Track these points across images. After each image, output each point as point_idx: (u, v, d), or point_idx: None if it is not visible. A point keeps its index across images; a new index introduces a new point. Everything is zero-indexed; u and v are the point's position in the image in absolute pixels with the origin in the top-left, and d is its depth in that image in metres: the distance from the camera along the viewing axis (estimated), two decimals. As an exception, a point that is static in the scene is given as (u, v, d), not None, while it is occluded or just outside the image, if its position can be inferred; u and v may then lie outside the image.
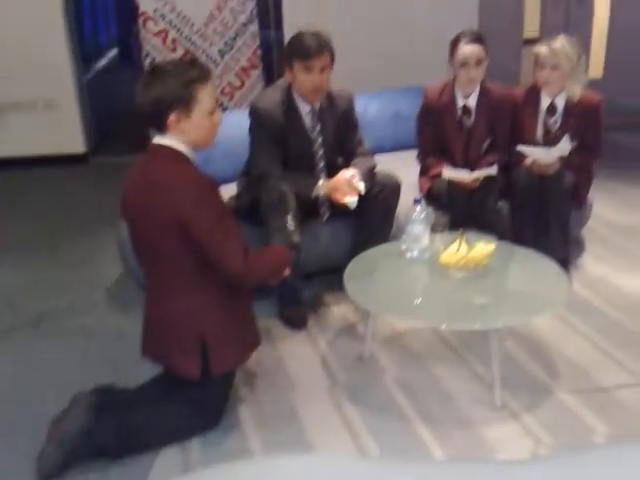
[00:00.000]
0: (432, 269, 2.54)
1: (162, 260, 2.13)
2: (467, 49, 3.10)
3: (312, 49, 2.79)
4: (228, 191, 3.14)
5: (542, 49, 3.14)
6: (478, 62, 3.11)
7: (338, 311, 3.00)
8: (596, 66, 5.80)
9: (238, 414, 2.36)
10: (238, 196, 3.13)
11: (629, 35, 5.56)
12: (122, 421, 2.15)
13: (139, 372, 2.39)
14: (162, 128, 2.07)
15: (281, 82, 2.99)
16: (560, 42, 3.14)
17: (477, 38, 3.13)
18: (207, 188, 2.07)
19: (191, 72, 2.05)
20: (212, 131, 2.15)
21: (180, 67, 2.07)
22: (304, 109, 2.95)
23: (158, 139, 2.10)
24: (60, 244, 3.84)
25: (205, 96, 2.06)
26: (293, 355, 2.70)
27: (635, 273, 3.24)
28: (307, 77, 2.82)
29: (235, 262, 2.08)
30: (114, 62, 8.07)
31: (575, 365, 2.56)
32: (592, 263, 3.35)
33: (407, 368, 2.57)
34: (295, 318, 2.90)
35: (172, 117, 2.03)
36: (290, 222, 2.69)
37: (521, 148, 3.13)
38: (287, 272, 2.35)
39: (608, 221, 3.80)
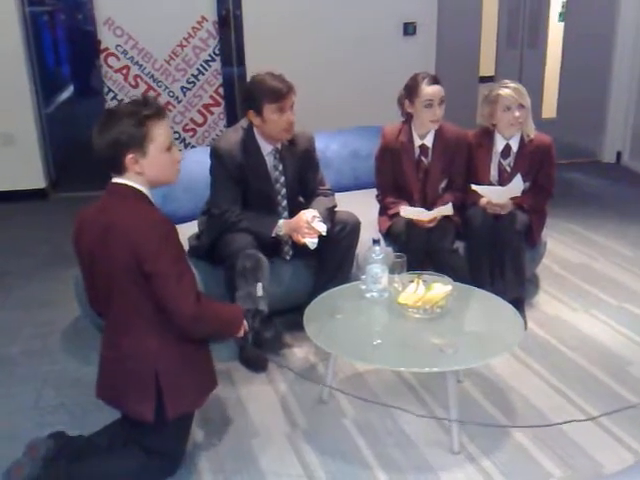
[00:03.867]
0: (391, 310, 2.57)
1: (119, 301, 2.10)
2: (431, 89, 3.17)
3: (283, 90, 2.84)
4: (189, 230, 3.15)
5: (504, 91, 3.21)
6: (441, 102, 3.19)
7: (299, 352, 3.00)
8: (550, 106, 5.99)
9: (195, 460, 2.33)
10: (198, 235, 3.13)
11: (580, 76, 5.76)
12: (74, 470, 2.10)
13: (97, 418, 2.35)
14: (120, 170, 2.07)
15: (242, 123, 3.02)
16: (514, 82, 3.25)
17: (436, 79, 3.23)
18: (166, 230, 2.06)
19: (144, 110, 2.04)
20: (172, 168, 2.15)
21: (132, 106, 2.06)
22: (266, 149, 2.99)
23: (117, 179, 2.09)
24: (15, 284, 3.77)
25: (160, 133, 2.06)
26: (252, 398, 2.69)
27: (589, 312, 3.32)
28: (281, 117, 2.86)
29: (185, 307, 2.05)
30: (74, 96, 8.03)
31: (531, 405, 2.60)
32: (547, 302, 3.42)
33: (367, 410, 2.58)
34: (255, 360, 2.89)
35: (129, 157, 2.03)
36: (260, 290, 2.70)
37: (474, 187, 3.20)
38: (241, 334, 2.32)
39: (562, 260, 3.90)
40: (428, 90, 3.17)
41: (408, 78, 3.28)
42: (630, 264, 3.83)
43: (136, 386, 2.13)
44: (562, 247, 4.05)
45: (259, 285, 2.73)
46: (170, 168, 2.14)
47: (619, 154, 5.78)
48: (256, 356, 2.89)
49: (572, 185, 5.14)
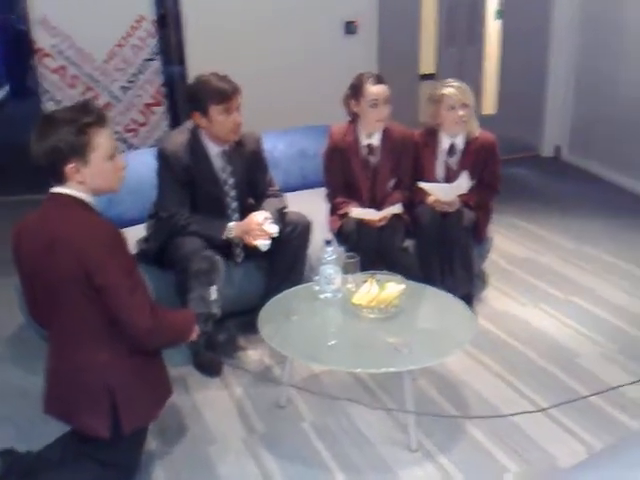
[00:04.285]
0: (345, 310, 2.57)
1: (66, 313, 2.03)
2: (376, 89, 3.18)
3: (229, 91, 2.81)
4: (137, 233, 3.08)
5: (448, 90, 3.25)
6: (386, 101, 3.20)
7: (254, 355, 2.97)
8: (490, 103, 6.10)
9: (150, 470, 2.28)
10: (146, 239, 3.06)
11: (519, 72, 5.89)
12: (25, 489, 2.02)
13: (44, 432, 2.27)
14: (61, 178, 1.98)
15: (187, 124, 2.97)
16: (457, 82, 3.29)
17: (381, 78, 3.24)
18: (114, 240, 2.00)
19: (84, 117, 1.96)
20: (115, 176, 2.08)
21: (73, 113, 1.98)
22: (213, 151, 2.94)
23: (58, 188, 2.01)
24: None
25: (102, 141, 1.99)
26: (208, 404, 2.65)
27: (535, 305, 3.40)
28: (227, 118, 2.83)
29: (140, 320, 2.00)
30: (10, 96, 7.77)
31: (484, 399, 2.65)
32: (495, 297, 3.49)
33: (325, 412, 2.57)
34: (209, 364, 2.85)
35: (69, 167, 1.95)
36: (214, 293, 2.66)
37: (422, 185, 3.23)
38: (194, 338, 2.28)
39: (508, 255, 3.98)
40: (373, 90, 3.18)
41: (352, 77, 3.29)
42: (574, 257, 3.93)
43: (88, 401, 2.06)
44: (508, 242, 4.13)
45: (213, 288, 2.69)
46: (113, 176, 2.07)
47: (558, 148, 5.93)
48: (210, 360, 2.85)
49: (514, 180, 5.25)
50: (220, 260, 2.79)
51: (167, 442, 2.42)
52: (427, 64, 6.43)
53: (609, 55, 5.22)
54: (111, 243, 1.98)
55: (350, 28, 5.18)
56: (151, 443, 2.37)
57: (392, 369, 2.30)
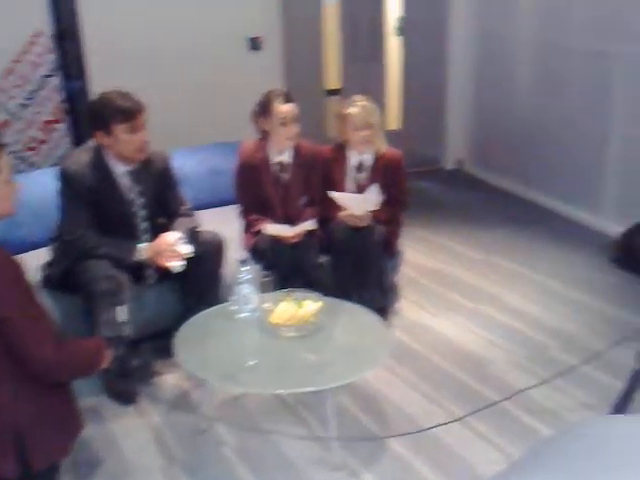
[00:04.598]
0: (263, 330, 2.54)
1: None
2: (285, 108, 3.18)
3: (134, 109, 2.74)
4: (39, 257, 2.94)
5: (353, 110, 3.29)
6: (295, 119, 3.21)
7: (170, 379, 2.88)
8: (395, 118, 6.25)
9: (65, 510, 2.16)
10: (50, 264, 2.92)
11: (421, 88, 6.07)
12: None
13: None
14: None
15: (91, 143, 2.87)
16: (363, 101, 3.34)
17: (289, 97, 3.24)
18: (12, 271, 1.89)
19: None
20: (12, 200, 2.02)
21: None
22: (119, 170, 2.85)
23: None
24: None
25: (2, 165, 1.94)
26: (124, 434, 2.54)
27: (447, 315, 3.49)
28: (133, 137, 2.75)
29: (43, 353, 1.90)
30: None
31: (403, 412, 2.68)
32: (408, 309, 3.56)
33: (247, 435, 2.53)
34: (123, 392, 2.74)
35: None
36: (122, 314, 2.56)
37: (332, 194, 3.25)
38: (105, 365, 2.19)
39: (419, 267, 4.07)
40: (281, 109, 3.19)
41: (260, 93, 3.28)
42: (481, 266, 4.07)
43: (-7, 444, 1.93)
44: (418, 254, 4.22)
45: (121, 309, 2.60)
46: (10, 201, 2.01)
47: (460, 161, 6.15)
48: (124, 388, 2.75)
49: (421, 193, 5.39)
50: (126, 279, 2.70)
51: (81, 477, 2.31)
52: (333, 80, 6.52)
53: (504, 72, 5.48)
54: (10, 275, 1.87)
55: (255, 44, 5.18)
56: (64, 479, 2.25)
57: (313, 388, 2.29)
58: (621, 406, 2.29)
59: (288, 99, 3.22)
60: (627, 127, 4.32)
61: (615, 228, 4.18)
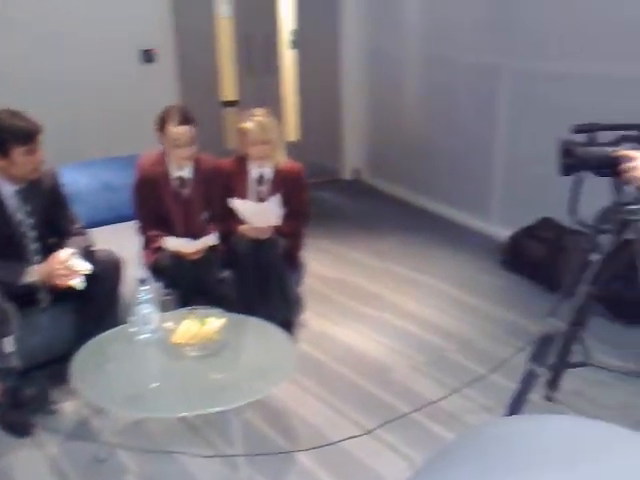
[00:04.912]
0: (165, 351, 2.48)
1: None
2: (178, 131, 3.13)
3: (32, 131, 2.66)
4: None
5: (249, 125, 3.28)
6: (190, 142, 3.16)
7: (69, 407, 2.76)
8: (293, 130, 6.30)
9: None
10: None
11: (317, 100, 6.15)
12: None
13: None
14: None
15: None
16: (263, 116, 3.33)
17: (186, 118, 3.17)
18: None
19: None
20: None
21: None
22: (7, 191, 2.73)
23: None
24: None
25: None
26: (20, 467, 2.41)
27: (350, 324, 3.54)
28: (30, 158, 2.67)
29: None
30: None
31: (310, 425, 2.69)
32: (313, 320, 3.58)
33: (151, 459, 2.46)
34: (18, 424, 2.60)
35: None
36: (9, 345, 2.43)
37: (232, 203, 3.22)
38: None
39: (322, 277, 4.11)
40: (175, 130, 3.13)
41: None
42: (381, 274, 4.16)
43: None
44: (320, 265, 4.26)
45: (7, 340, 2.47)
46: None
47: (357, 171, 6.27)
48: (18, 420, 2.60)
49: (321, 204, 5.46)
50: (12, 308, 2.57)
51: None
52: (229, 91, 6.48)
53: (394, 84, 5.65)
54: None
55: (148, 57, 5.08)
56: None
57: (218, 408, 2.25)
58: (515, 407, 2.40)
59: (184, 121, 3.15)
60: (509, 137, 4.55)
61: (503, 232, 4.38)
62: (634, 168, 2.01)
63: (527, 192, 4.38)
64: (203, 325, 2.51)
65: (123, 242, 3.19)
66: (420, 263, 4.31)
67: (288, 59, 6.52)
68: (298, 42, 6.22)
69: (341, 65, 6.04)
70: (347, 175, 6.32)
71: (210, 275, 3.18)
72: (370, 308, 3.72)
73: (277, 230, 3.31)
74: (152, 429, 2.65)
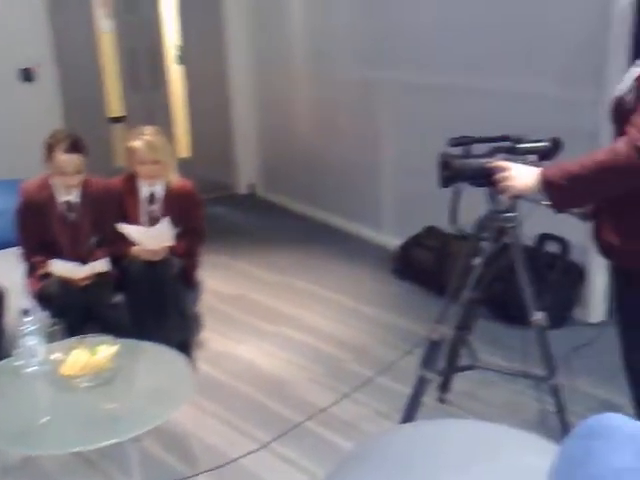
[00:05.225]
0: (54, 383, 2.38)
1: None
2: (64, 159, 3.02)
3: None
4: None
5: (138, 144, 3.21)
6: (76, 171, 3.06)
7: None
8: (184, 146, 6.23)
9: None
10: None
11: (207, 115, 6.11)
12: None
13: None
14: None
15: None
16: (151, 135, 3.27)
17: (74, 146, 3.06)
18: None
19: None
20: None
21: None
22: None
23: None
24: None
25: None
26: None
27: (249, 341, 3.53)
28: None
29: None
30: None
31: (211, 446, 2.66)
32: (212, 338, 3.55)
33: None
34: None
35: None
36: None
37: (122, 228, 3.16)
38: None
39: (219, 294, 4.08)
40: (62, 159, 3.02)
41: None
42: (279, 289, 4.18)
43: None
44: (217, 282, 4.23)
45: None
46: None
47: (252, 186, 6.28)
48: None
49: (216, 220, 5.41)
50: None
51: None
52: (116, 108, 6.34)
53: (284, 98, 5.71)
54: None
55: (27, 75, 4.88)
56: None
57: (113, 440, 2.19)
58: (410, 412, 2.47)
59: (72, 148, 3.04)
60: (394, 150, 4.70)
61: (394, 242, 4.51)
62: (507, 178, 2.13)
63: (414, 202, 4.53)
64: (94, 354, 2.43)
65: (5, 270, 3.05)
66: (317, 276, 4.37)
67: (175, 74, 6.44)
68: (184, 57, 6.17)
69: (229, 79, 6.04)
70: (242, 190, 6.31)
71: (101, 301, 3.09)
72: (269, 323, 3.73)
73: (171, 250, 3.26)
74: (46, 465, 2.54)
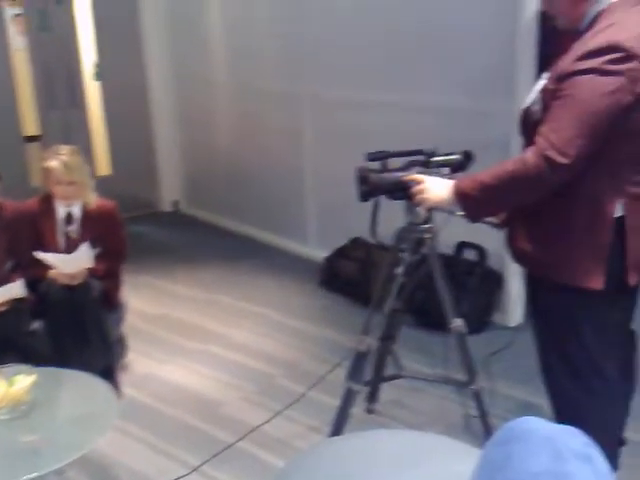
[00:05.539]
0: (-31, 418, 2.28)
1: None
2: None
3: None
4: None
5: (53, 164, 3.13)
6: None
7: None
8: (104, 164, 6.09)
9: None
10: None
11: (128, 132, 5.99)
12: None
13: None
14: None
15: None
16: (68, 154, 3.19)
17: None
18: None
19: None
20: None
21: None
22: None
23: None
24: None
25: None
26: None
27: (176, 361, 3.48)
28: None
29: None
30: None
31: (137, 474, 2.60)
32: (137, 361, 3.47)
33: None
34: None
35: None
36: None
37: (40, 255, 3.07)
38: None
39: (144, 315, 4.00)
40: None
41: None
42: (205, 306, 4.14)
43: None
44: (142, 302, 4.15)
45: None
46: None
47: (176, 202, 6.20)
48: None
49: (139, 238, 5.32)
50: None
51: None
52: (31, 126, 6.14)
53: (207, 113, 5.68)
54: None
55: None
56: None
57: (34, 474, 2.10)
58: (338, 425, 2.49)
59: None
60: (317, 163, 4.74)
61: (321, 254, 4.54)
62: (422, 191, 2.19)
63: (339, 214, 4.58)
64: (11, 385, 2.33)
65: None
66: (244, 291, 4.35)
67: (93, 91, 6.29)
68: (101, 73, 6.04)
69: (149, 94, 5.96)
70: (166, 207, 6.22)
71: (18, 328, 2.98)
72: (196, 342, 3.68)
73: (91, 272, 3.19)
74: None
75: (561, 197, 1.91)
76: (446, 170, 2.27)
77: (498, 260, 3.65)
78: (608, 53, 1.77)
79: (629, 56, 1.75)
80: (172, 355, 3.54)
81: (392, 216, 2.36)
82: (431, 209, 2.30)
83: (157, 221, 5.97)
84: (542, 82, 2.00)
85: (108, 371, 3.06)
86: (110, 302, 3.34)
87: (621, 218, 1.90)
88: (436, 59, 3.82)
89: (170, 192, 6.20)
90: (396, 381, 2.80)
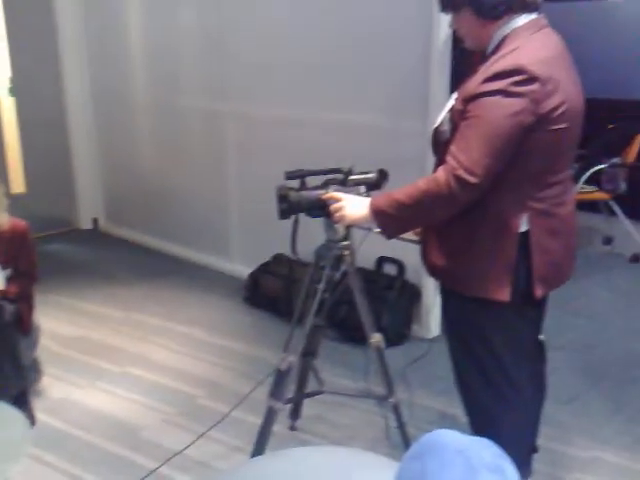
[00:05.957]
0: None
1: None
2: None
3: None
4: None
5: None
6: None
7: None
8: (17, 181, 5.88)
9: None
10: None
11: (43, 149, 5.82)
12: None
13: None
14: None
15: None
16: None
17: None
18: None
19: None
20: None
21: None
22: None
23: None
24: None
25: None
26: None
27: (94, 385, 3.38)
28: None
29: None
30: None
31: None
32: (52, 385, 3.35)
33: None
34: None
35: None
36: None
37: None
38: None
39: (59, 337, 3.87)
40: None
41: None
42: (123, 326, 4.04)
43: None
44: (56, 323, 4.01)
45: None
46: None
47: (95, 220, 6.04)
48: None
49: (54, 257, 5.16)
50: None
51: None
52: None
53: (126, 130, 5.57)
54: None
55: None
56: None
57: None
58: (260, 444, 2.48)
59: None
60: (240, 180, 4.73)
61: (245, 271, 4.52)
62: (340, 208, 2.22)
63: (261, 230, 4.57)
64: None
65: None
66: (167, 310, 4.28)
67: (6, 106, 6.08)
68: (15, 89, 5.84)
69: (66, 109, 5.79)
70: (85, 225, 6.05)
71: None
72: (115, 364, 3.58)
73: (3, 294, 3.07)
74: None
75: (469, 213, 1.98)
76: (363, 188, 2.32)
77: (416, 274, 3.73)
78: (513, 75, 1.85)
79: (532, 78, 1.84)
80: (89, 379, 3.43)
81: (312, 233, 2.39)
82: (349, 226, 2.34)
83: (75, 239, 5.79)
84: (451, 102, 2.07)
85: (21, 397, 2.94)
86: (23, 325, 3.23)
87: (526, 232, 1.98)
88: (355, 79, 3.89)
89: (89, 209, 6.04)
90: (318, 397, 2.80)
